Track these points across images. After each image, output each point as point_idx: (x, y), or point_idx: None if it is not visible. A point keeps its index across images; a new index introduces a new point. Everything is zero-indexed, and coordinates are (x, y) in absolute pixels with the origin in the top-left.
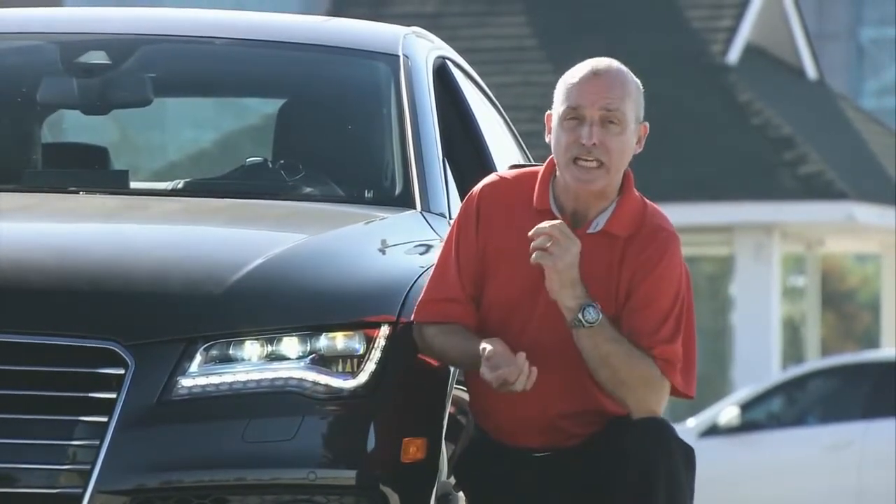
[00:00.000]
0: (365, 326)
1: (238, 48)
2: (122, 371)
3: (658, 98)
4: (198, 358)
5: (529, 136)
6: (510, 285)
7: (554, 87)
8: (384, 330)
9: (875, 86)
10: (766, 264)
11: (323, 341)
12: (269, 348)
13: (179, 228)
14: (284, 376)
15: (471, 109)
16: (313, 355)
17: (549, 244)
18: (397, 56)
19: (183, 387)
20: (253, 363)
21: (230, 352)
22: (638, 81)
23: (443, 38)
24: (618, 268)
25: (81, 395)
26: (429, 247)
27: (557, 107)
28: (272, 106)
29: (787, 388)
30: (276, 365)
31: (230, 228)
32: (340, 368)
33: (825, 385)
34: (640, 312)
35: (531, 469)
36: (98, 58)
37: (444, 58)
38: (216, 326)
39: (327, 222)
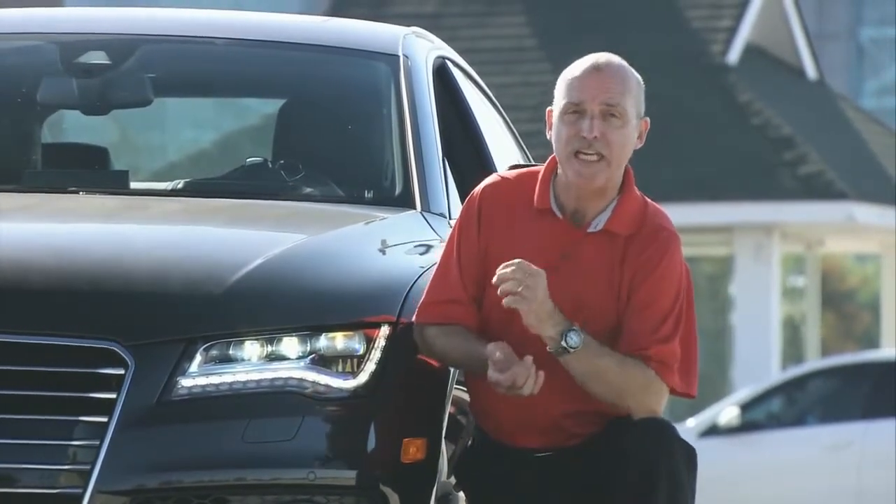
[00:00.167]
0: (365, 327)
1: (238, 48)
2: (122, 371)
3: (658, 98)
4: (198, 358)
5: (529, 136)
6: None
7: (553, 88)
8: (384, 330)
9: (875, 86)
10: (766, 264)
11: (323, 341)
12: (269, 348)
13: (179, 229)
14: (284, 376)
15: (471, 110)
16: (313, 355)
17: (519, 288)
18: (397, 56)
19: (183, 387)
20: (253, 363)
21: (230, 352)
22: (639, 77)
23: (442, 39)
24: (619, 267)
25: (81, 395)
26: (429, 247)
27: (558, 102)
28: (272, 106)
29: (786, 389)
30: (276, 365)
31: (230, 229)
32: (340, 369)
33: (825, 385)
34: (641, 313)
35: (531, 469)
36: (98, 58)
37: (443, 58)
38: (216, 326)
39: (327, 222)
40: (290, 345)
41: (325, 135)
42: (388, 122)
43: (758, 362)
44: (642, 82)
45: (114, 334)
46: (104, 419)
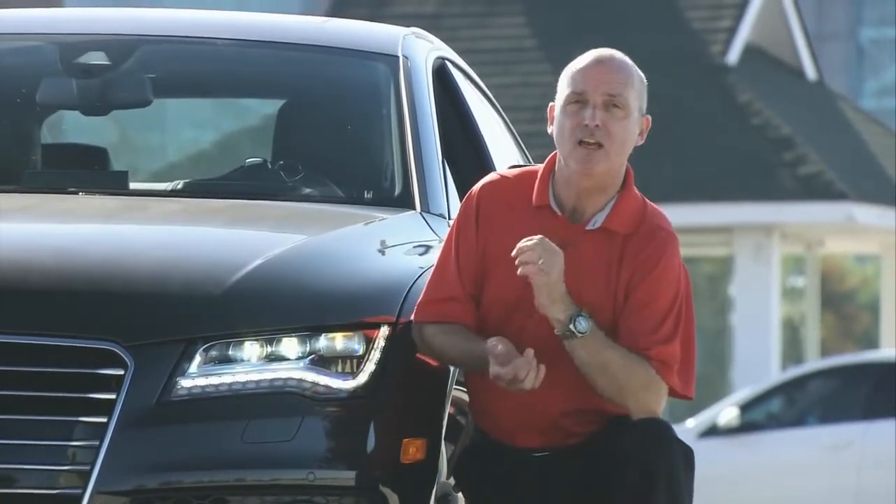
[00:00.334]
0: (364, 327)
1: (238, 49)
2: (121, 372)
3: (658, 98)
4: (197, 358)
5: (529, 136)
6: (510, 284)
7: (553, 88)
8: (384, 330)
9: (875, 86)
10: (766, 265)
11: (322, 342)
12: (269, 349)
13: (179, 229)
14: (284, 377)
15: (470, 110)
16: (313, 356)
17: (539, 259)
18: (397, 57)
19: (182, 387)
20: (252, 364)
21: (230, 352)
22: (641, 74)
23: (442, 39)
24: (617, 266)
25: (81, 395)
26: (428, 247)
27: (560, 94)
28: (272, 106)
29: (786, 389)
30: (275, 365)
31: (230, 229)
32: (340, 369)
33: (825, 386)
34: (639, 313)
35: (531, 469)
36: (98, 58)
37: (443, 58)
38: (216, 327)
39: (327, 223)
40: (290, 345)
41: (325, 135)
42: (387, 123)
43: (757, 363)
44: (645, 79)
45: (113, 335)
46: (104, 419)
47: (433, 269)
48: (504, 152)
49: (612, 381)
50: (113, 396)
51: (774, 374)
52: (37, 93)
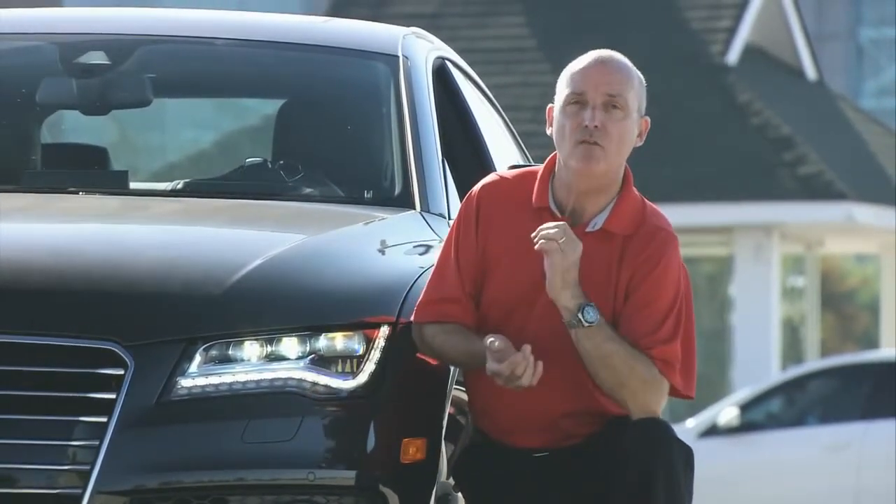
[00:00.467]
0: (364, 327)
1: (238, 48)
2: (121, 371)
3: (658, 98)
4: (197, 358)
5: (529, 136)
6: (510, 284)
7: (553, 88)
8: (384, 330)
9: (875, 86)
10: (766, 265)
11: (322, 342)
12: (269, 349)
13: (179, 229)
14: (284, 377)
15: (470, 110)
16: (313, 356)
17: (561, 239)
18: (397, 57)
19: (182, 387)
20: (252, 363)
21: (230, 352)
22: (641, 75)
23: (442, 39)
24: (617, 267)
25: (81, 395)
26: (428, 247)
27: (560, 95)
28: (272, 106)
29: (786, 389)
30: (275, 365)
31: (230, 229)
32: (340, 369)
33: (824, 386)
34: (639, 313)
35: (530, 469)
36: (97, 58)
37: (443, 58)
38: (216, 327)
39: (327, 223)
40: (290, 345)
41: (325, 135)
42: (387, 123)
43: (757, 363)
44: (644, 81)
45: (113, 334)
46: (104, 419)
47: (433, 269)
48: (504, 152)
49: (614, 375)
50: (113, 396)
51: (774, 374)
52: (37, 92)
